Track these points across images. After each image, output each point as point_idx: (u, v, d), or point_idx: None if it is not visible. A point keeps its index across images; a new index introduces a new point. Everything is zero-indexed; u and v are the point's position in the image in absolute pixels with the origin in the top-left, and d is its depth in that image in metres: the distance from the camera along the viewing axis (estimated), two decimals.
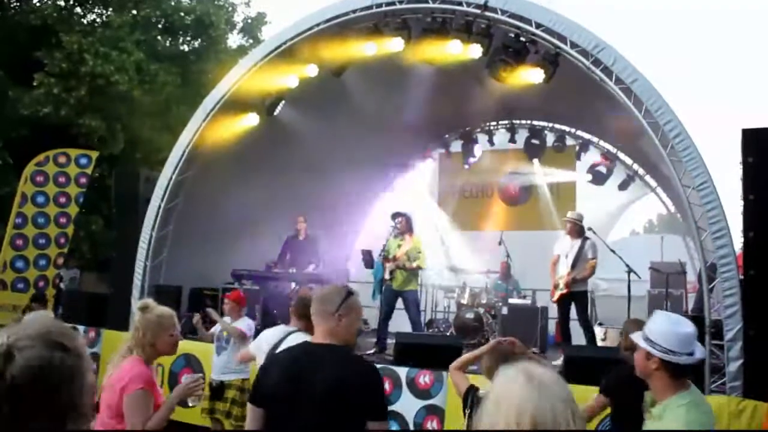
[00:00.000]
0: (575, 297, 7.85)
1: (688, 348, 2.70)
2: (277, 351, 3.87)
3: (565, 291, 7.86)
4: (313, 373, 2.60)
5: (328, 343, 2.74)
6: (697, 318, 6.24)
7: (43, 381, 1.28)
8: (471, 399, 3.54)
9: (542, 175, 12.48)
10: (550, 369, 1.77)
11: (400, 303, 8.42)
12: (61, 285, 12.06)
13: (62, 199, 11.59)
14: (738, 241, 6.34)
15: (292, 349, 2.95)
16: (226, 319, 6.62)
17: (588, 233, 8.14)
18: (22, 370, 1.26)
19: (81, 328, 8.82)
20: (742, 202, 5.91)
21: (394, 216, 8.65)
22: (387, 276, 8.29)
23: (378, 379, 2.75)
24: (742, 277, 5.78)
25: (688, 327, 2.75)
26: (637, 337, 2.84)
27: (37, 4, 17.48)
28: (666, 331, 2.73)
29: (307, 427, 2.56)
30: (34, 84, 15.57)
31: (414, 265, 8.19)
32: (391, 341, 7.73)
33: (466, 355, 3.94)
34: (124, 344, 3.41)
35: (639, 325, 4.01)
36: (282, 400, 2.60)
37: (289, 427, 2.60)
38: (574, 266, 7.85)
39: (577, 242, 7.96)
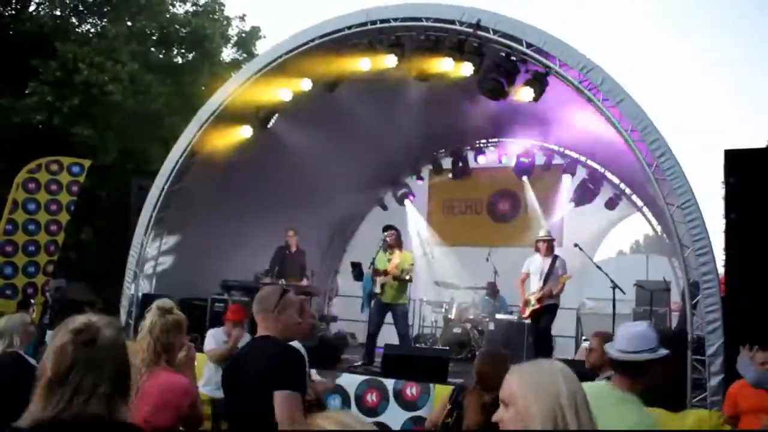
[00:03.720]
0: (547, 310, 8.00)
1: (641, 346, 2.83)
2: None
3: (537, 306, 8.01)
4: (246, 363, 2.93)
5: (265, 335, 3.00)
6: (680, 334, 6.36)
7: (117, 350, 1.77)
8: (458, 396, 3.62)
9: (530, 192, 12.62)
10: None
11: (388, 317, 8.47)
12: (47, 294, 12.02)
13: (53, 207, 11.57)
14: (720, 260, 6.46)
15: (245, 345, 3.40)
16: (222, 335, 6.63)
17: (558, 251, 8.39)
18: (109, 340, 1.75)
19: None
20: (724, 221, 6.06)
21: (385, 229, 8.72)
22: (378, 290, 8.32)
23: (283, 354, 2.91)
24: (723, 295, 5.92)
25: (638, 327, 2.96)
26: (608, 347, 2.96)
27: (33, 13, 17.57)
28: (622, 335, 2.91)
29: (242, 407, 2.88)
30: (27, 92, 15.62)
31: (406, 277, 8.25)
32: (378, 354, 7.80)
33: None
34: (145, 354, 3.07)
35: (604, 338, 4.19)
36: (227, 388, 3.00)
37: (232, 410, 2.99)
38: (546, 283, 8.00)
39: (548, 260, 8.14)
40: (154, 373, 2.99)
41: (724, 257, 6.13)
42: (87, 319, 1.75)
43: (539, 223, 12.34)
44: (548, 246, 8.24)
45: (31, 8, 18.29)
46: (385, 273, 8.27)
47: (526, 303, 8.16)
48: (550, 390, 1.73)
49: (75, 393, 1.64)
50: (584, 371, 4.55)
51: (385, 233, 8.57)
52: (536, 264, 8.22)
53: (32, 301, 10.78)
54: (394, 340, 8.32)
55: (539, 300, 7.98)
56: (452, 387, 3.87)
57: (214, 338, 6.59)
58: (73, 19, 18.87)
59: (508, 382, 1.81)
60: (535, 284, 8.16)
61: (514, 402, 1.76)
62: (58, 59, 15.91)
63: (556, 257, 8.17)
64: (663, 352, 2.83)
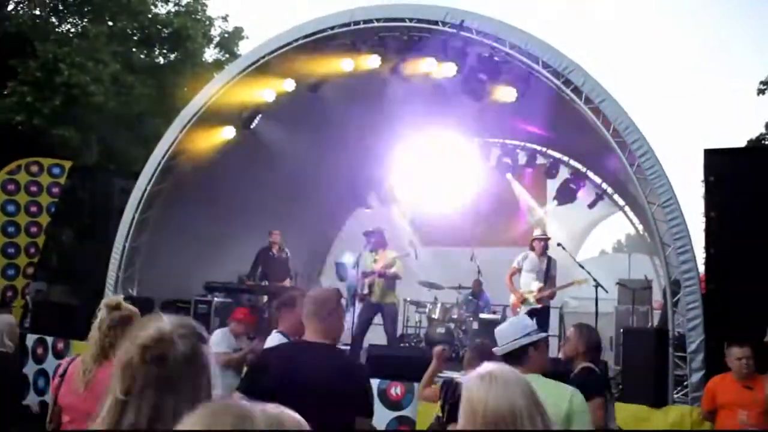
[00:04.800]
0: (544, 312, 8.02)
1: (510, 337, 3.07)
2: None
3: (538, 306, 7.95)
4: (306, 369, 2.76)
5: (320, 342, 2.93)
6: (661, 331, 6.43)
7: (194, 365, 1.50)
8: (447, 390, 3.65)
9: (513, 192, 12.67)
10: (511, 368, 1.94)
11: (377, 318, 8.48)
12: (28, 297, 11.88)
13: (33, 209, 11.44)
14: (700, 258, 6.54)
15: (286, 346, 3.11)
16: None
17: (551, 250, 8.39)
18: (182, 354, 1.49)
19: (50, 339, 8.74)
20: (704, 220, 6.14)
21: (368, 232, 8.75)
22: (366, 291, 8.34)
23: (365, 375, 2.95)
24: (704, 292, 5.99)
25: (508, 322, 3.33)
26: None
27: (12, 13, 17.36)
28: (498, 336, 3.16)
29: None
30: (6, 92, 15.44)
31: (393, 271, 8.28)
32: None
33: (425, 376, 4.26)
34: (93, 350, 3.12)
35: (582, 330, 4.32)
36: (277, 395, 2.70)
37: None
38: (545, 283, 8.01)
39: (544, 259, 8.16)
40: (102, 367, 3.02)
41: (704, 255, 6.20)
42: (157, 330, 1.51)
43: (521, 223, 12.43)
44: (545, 245, 8.25)
45: (10, 7, 18.08)
46: (372, 273, 8.30)
47: (523, 300, 8.04)
48: (470, 403, 1.80)
49: (144, 418, 1.43)
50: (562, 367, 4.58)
51: (369, 234, 8.62)
52: (532, 262, 8.16)
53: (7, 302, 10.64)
54: (378, 340, 8.33)
55: (539, 300, 7.96)
56: (441, 382, 3.91)
57: (225, 340, 6.26)
58: (53, 19, 18.68)
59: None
60: (530, 282, 8.10)
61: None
62: (38, 59, 15.75)
63: (550, 258, 8.20)
64: (528, 339, 3.02)
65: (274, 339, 4.13)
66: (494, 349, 3.07)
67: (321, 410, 2.61)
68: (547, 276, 8.05)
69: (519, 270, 8.24)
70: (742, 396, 4.85)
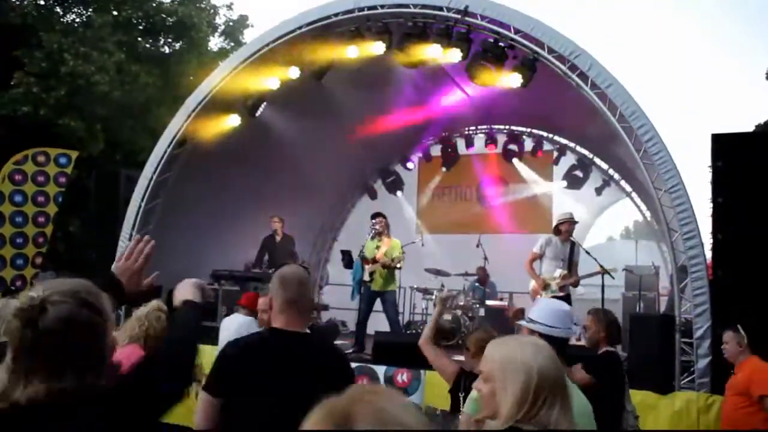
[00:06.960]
0: (565, 299, 7.54)
1: (566, 324, 2.88)
2: None
3: (561, 294, 7.45)
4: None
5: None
6: (668, 317, 6.42)
7: (70, 335, 1.47)
8: (465, 382, 3.59)
9: (520, 179, 12.65)
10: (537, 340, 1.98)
11: (378, 305, 8.49)
12: None
13: (41, 199, 11.48)
14: (707, 244, 6.50)
15: None
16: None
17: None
18: (53, 322, 1.46)
19: None
20: (711, 206, 6.10)
21: (373, 217, 8.72)
22: (367, 278, 8.33)
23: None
24: (711, 278, 5.97)
25: (565, 306, 3.02)
26: (522, 323, 3.03)
27: (17, 3, 17.35)
28: (546, 309, 2.94)
29: None
30: (13, 83, 15.46)
31: (398, 265, 8.24)
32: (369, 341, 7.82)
33: (428, 326, 4.04)
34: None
35: (599, 315, 4.37)
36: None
37: None
38: (570, 270, 7.61)
39: (567, 244, 7.69)
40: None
41: (711, 241, 6.17)
42: (29, 296, 1.51)
43: (528, 210, 12.41)
44: (572, 229, 7.71)
45: None
46: (374, 261, 8.29)
47: (545, 287, 7.56)
48: (525, 369, 1.78)
49: (22, 383, 1.45)
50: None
51: (374, 221, 8.59)
52: (555, 248, 7.65)
53: (14, 289, 10.69)
54: (384, 327, 8.35)
55: (562, 288, 7.53)
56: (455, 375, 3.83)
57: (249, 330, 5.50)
58: (58, 9, 18.66)
59: (489, 356, 1.89)
60: (553, 269, 7.63)
61: (491, 379, 1.83)
62: (43, 50, 15.75)
63: (573, 242, 7.72)
64: (575, 329, 2.95)
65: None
66: (537, 327, 2.82)
67: None
68: (571, 262, 7.62)
69: (540, 256, 7.70)
70: (731, 380, 4.99)
